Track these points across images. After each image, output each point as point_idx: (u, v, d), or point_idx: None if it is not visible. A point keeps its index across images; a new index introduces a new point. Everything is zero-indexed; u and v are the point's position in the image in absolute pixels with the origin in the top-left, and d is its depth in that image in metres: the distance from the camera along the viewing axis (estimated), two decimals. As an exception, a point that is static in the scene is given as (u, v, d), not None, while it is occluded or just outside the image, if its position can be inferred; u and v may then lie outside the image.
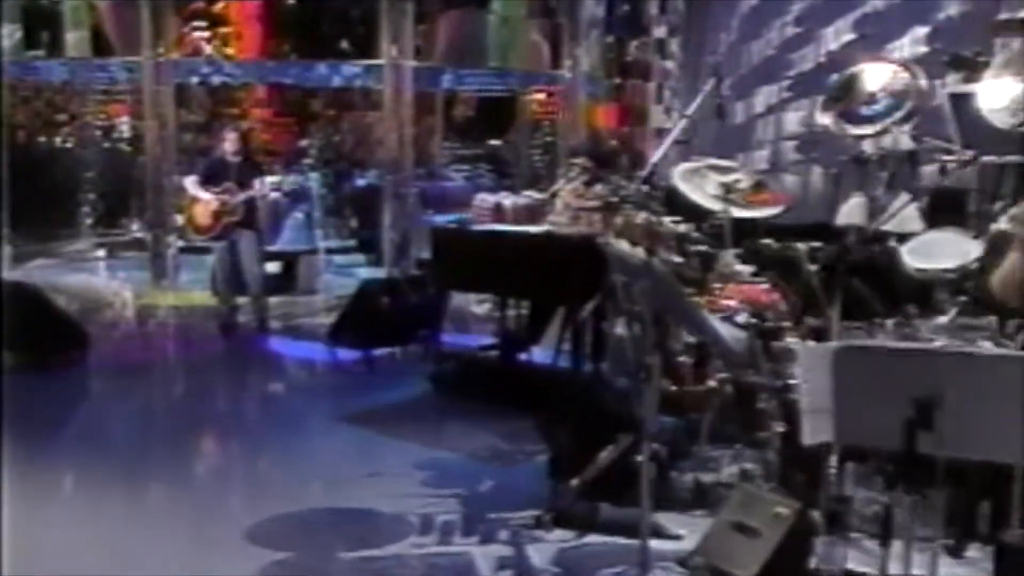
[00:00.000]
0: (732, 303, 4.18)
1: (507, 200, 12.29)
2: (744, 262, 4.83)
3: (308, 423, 6.17)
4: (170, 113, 11.26)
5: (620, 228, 5.21)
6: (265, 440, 5.92)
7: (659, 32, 14.44)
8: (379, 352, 7.44)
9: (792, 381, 3.76)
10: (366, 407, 6.40)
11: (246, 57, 11.61)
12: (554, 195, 9.14)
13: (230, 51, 11.83)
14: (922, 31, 10.94)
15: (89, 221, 14.31)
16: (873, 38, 14.13)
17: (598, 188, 6.72)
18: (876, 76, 5.54)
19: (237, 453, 5.85)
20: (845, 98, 5.54)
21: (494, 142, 16.20)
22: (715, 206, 5.09)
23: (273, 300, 9.30)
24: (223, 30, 11.46)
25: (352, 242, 13.22)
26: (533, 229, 6.44)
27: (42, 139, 15.17)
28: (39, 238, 13.73)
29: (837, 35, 14.38)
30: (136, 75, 11.98)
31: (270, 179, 8.82)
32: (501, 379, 6.42)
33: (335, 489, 4.93)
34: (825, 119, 5.64)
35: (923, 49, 10.40)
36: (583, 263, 5.38)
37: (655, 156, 3.91)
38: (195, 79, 12.64)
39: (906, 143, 5.48)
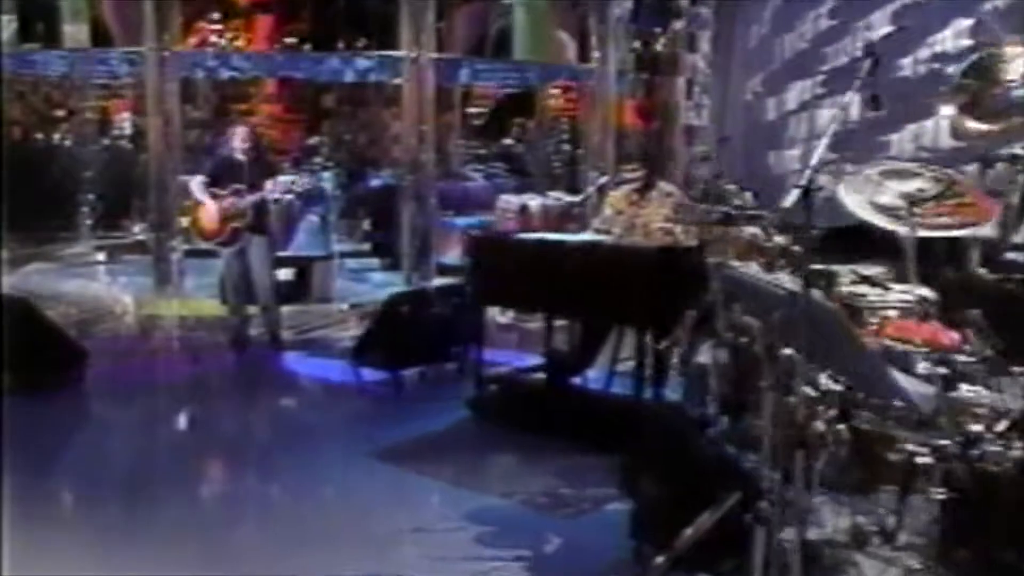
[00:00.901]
0: (898, 342, 3.38)
1: (533, 202, 11.63)
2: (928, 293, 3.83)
3: (332, 460, 5.44)
4: (175, 108, 10.52)
5: (722, 243, 4.46)
6: (283, 480, 5.18)
7: (688, 25, 13.72)
8: (408, 372, 6.72)
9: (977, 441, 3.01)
10: (398, 439, 5.66)
11: (256, 49, 10.87)
12: (587, 199, 8.48)
13: (239, 43, 11.11)
14: (965, 23, 10.18)
15: (88, 223, 13.61)
16: (913, 31, 13.47)
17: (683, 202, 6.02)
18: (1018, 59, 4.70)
19: (250, 497, 5.09)
20: (979, 86, 4.75)
21: (507, 141, 15.48)
22: (893, 224, 4.07)
23: (285, 309, 8.57)
24: (235, 21, 10.71)
25: (365, 245, 12.50)
26: (592, 238, 5.70)
27: (39, 136, 14.48)
28: (35, 241, 13.04)
29: (874, 28, 13.72)
30: (138, 68, 11.27)
31: (283, 179, 8.11)
32: (552, 406, 5.68)
33: (369, 549, 4.18)
34: (949, 110, 4.84)
35: (966, 43, 9.75)
36: (658, 279, 4.68)
37: (813, 161, 3.07)
38: (201, 72, 11.93)
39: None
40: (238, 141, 7.86)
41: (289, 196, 8.04)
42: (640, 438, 4.01)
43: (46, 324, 6.74)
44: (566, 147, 14.37)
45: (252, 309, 8.19)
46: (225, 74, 12.22)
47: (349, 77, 12.34)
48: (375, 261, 12.32)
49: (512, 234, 6.10)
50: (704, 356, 4.56)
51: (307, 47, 10.43)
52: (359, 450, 5.49)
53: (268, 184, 7.79)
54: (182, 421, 6.49)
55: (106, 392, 6.74)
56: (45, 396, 6.31)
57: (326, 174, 12.38)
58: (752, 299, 3.02)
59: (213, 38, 11.11)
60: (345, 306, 9.90)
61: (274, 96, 13.81)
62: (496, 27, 11.81)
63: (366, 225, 12.75)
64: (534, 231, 11.44)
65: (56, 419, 6.08)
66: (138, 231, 13.19)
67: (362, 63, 11.60)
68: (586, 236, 5.82)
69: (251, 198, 7.77)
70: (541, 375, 6.11)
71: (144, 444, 5.85)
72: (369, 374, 6.79)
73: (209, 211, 7.94)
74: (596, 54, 12.10)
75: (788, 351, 2.85)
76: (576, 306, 5.41)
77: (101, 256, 12.78)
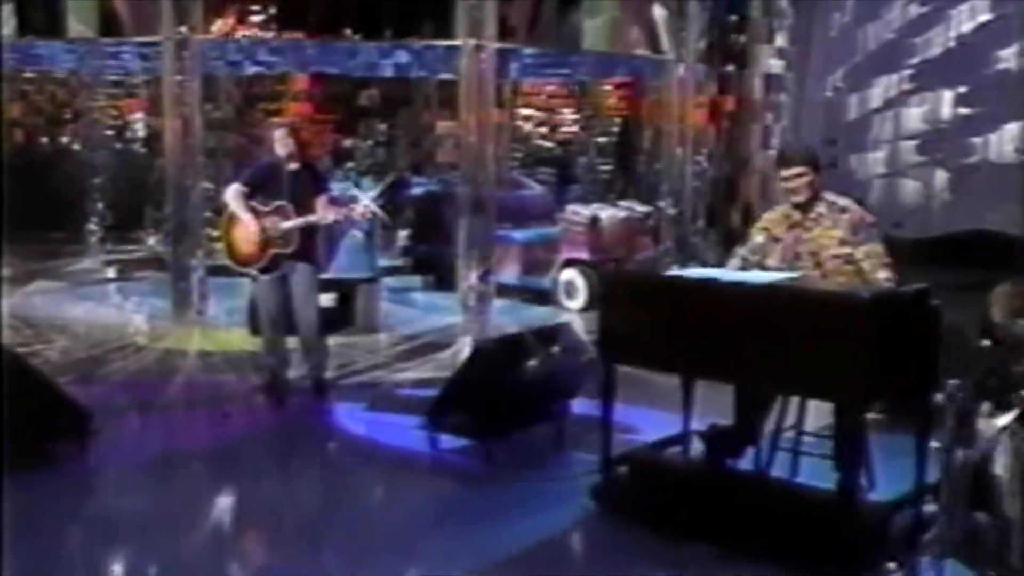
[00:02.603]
0: None
1: (604, 212, 10.24)
2: None
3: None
4: (195, 107, 9.13)
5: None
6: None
7: (764, 14, 12.29)
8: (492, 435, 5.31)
9: None
10: (504, 542, 4.25)
11: (290, 37, 9.47)
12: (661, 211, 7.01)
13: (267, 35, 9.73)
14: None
15: (98, 235, 12.27)
16: (1014, 19, 12.05)
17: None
18: None
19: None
20: None
21: (547, 143, 14.06)
22: None
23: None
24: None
25: (401, 261, 11.09)
26: (774, 278, 4.26)
27: (43, 138, 13.17)
28: (38, 255, 11.74)
29: (971, 15, 12.29)
30: (153, 63, 9.91)
31: (335, 191, 6.72)
32: (716, 498, 4.26)
33: None
34: None
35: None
36: (872, 331, 3.31)
37: None
38: (223, 67, 10.54)
39: None
40: (280, 146, 6.46)
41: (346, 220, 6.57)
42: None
43: (41, 384, 5.34)
44: (624, 149, 12.96)
45: (290, 341, 6.82)
46: (250, 69, 10.84)
47: (388, 71, 10.94)
48: (416, 279, 10.94)
49: (657, 271, 4.63)
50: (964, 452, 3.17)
51: (349, 34, 8.94)
52: (454, 559, 4.08)
53: (320, 202, 6.40)
54: (208, 514, 5.02)
55: (113, 470, 5.32)
56: (38, 475, 4.93)
57: (365, 181, 11.03)
58: None
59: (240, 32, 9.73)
60: (395, 337, 8.52)
61: (304, 93, 12.43)
62: (548, 10, 10.38)
63: (403, 237, 11.34)
64: (606, 246, 10.19)
65: (51, 506, 4.69)
66: (153, 243, 11.88)
67: (399, 55, 10.18)
68: (763, 276, 4.37)
69: (299, 221, 6.38)
70: (686, 449, 4.68)
71: (160, 544, 4.43)
72: (448, 440, 5.39)
73: (247, 230, 6.55)
74: (666, 44, 10.62)
75: None
76: (751, 369, 3.98)
77: (111, 272, 11.40)
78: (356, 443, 5.86)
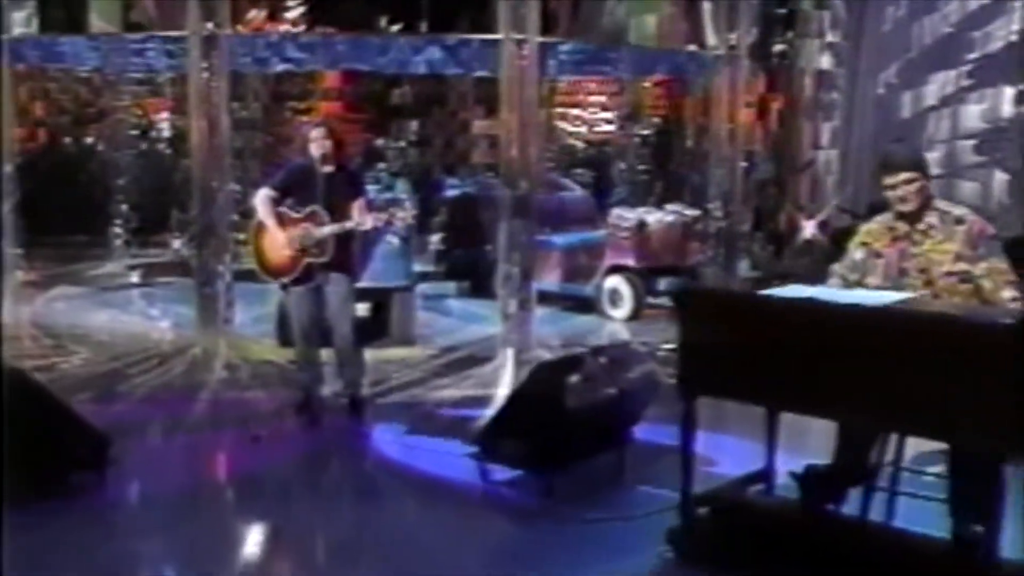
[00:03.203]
0: None
1: (651, 216, 9.70)
2: None
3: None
4: (222, 105, 8.66)
5: None
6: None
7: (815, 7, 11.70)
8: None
9: None
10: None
11: (321, 32, 9.03)
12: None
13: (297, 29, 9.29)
14: None
15: (122, 238, 11.85)
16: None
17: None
18: None
19: None
20: None
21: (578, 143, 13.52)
22: None
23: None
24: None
25: (434, 266, 10.60)
26: (878, 299, 3.72)
27: (67, 138, 12.79)
28: (62, 259, 11.37)
29: (1027, 10, 11.67)
30: (178, 61, 9.46)
31: (371, 192, 6.24)
32: (813, 547, 3.73)
33: None
34: None
35: None
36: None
37: None
38: (251, 63, 10.07)
39: None
40: (316, 146, 5.99)
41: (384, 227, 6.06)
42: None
43: (56, 408, 4.89)
44: (665, 150, 12.42)
45: (323, 352, 6.34)
46: (279, 66, 10.37)
47: (421, 68, 10.43)
48: (450, 285, 10.45)
49: (760, 294, 4.10)
50: None
51: (384, 27, 8.44)
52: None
53: (357, 207, 5.92)
54: (234, 553, 4.50)
55: (132, 502, 4.87)
56: (51, 507, 4.48)
57: (399, 183, 10.55)
58: None
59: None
60: (432, 349, 8.03)
61: (335, 91, 11.96)
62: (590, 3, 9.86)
63: (437, 242, 10.84)
64: (653, 252, 9.65)
65: (62, 542, 4.24)
66: (178, 247, 11.46)
67: (436, 51, 9.67)
68: (872, 297, 3.84)
69: (334, 228, 5.91)
70: (770, 487, 4.16)
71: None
72: (500, 471, 4.90)
73: (277, 239, 6.10)
74: (713, 39, 10.04)
75: None
76: (863, 405, 3.45)
77: (135, 277, 10.99)
78: (398, 472, 5.35)
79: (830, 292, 3.93)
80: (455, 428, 5.79)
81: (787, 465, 4.11)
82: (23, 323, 8.81)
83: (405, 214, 5.84)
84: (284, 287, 6.30)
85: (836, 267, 4.24)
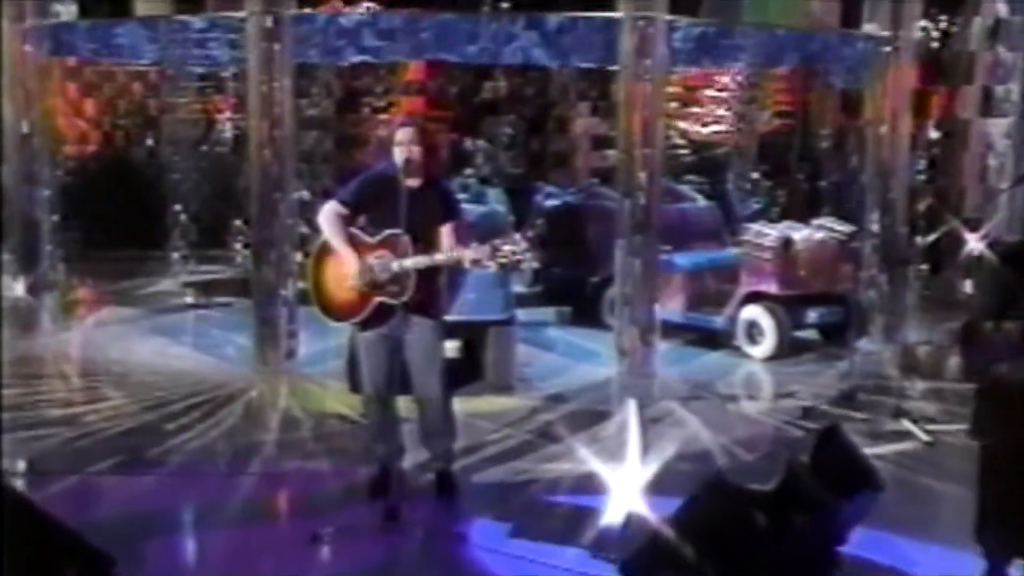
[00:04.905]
0: None
1: (798, 233, 8.05)
2: None
3: None
4: (286, 102, 7.32)
5: None
6: None
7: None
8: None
9: None
10: None
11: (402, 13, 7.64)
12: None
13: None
14: None
15: (180, 252, 10.62)
16: None
17: None
18: None
19: None
20: None
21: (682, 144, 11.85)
22: None
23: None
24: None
25: (526, 287, 9.09)
26: None
27: (121, 141, 11.65)
28: (112, 275, 10.20)
29: None
30: (243, 53, 8.17)
31: (466, 216, 4.78)
32: None
33: None
34: None
35: None
36: None
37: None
38: (321, 54, 8.69)
39: None
40: (401, 151, 4.54)
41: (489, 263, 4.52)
42: None
43: (50, 527, 3.50)
44: (799, 152, 10.73)
45: (400, 401, 4.93)
46: (354, 57, 8.98)
47: (516, 58, 8.93)
48: (549, 311, 8.94)
49: None
50: None
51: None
52: None
53: (448, 233, 4.47)
54: None
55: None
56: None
57: (492, 192, 9.11)
58: None
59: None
60: (536, 399, 6.54)
61: (417, 85, 10.57)
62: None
63: (531, 259, 9.28)
64: (801, 277, 8.01)
65: None
66: (240, 262, 10.20)
67: (534, 37, 8.16)
68: None
69: (417, 259, 4.46)
70: None
71: None
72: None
73: (343, 268, 4.71)
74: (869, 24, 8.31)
75: None
76: None
77: (190, 297, 9.71)
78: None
79: None
80: (575, 526, 4.33)
81: None
82: (55, 355, 7.58)
83: (515, 249, 4.34)
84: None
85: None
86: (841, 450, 3.82)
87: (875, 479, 3.70)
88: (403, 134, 4.63)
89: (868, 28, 8.02)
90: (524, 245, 4.36)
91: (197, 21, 8.14)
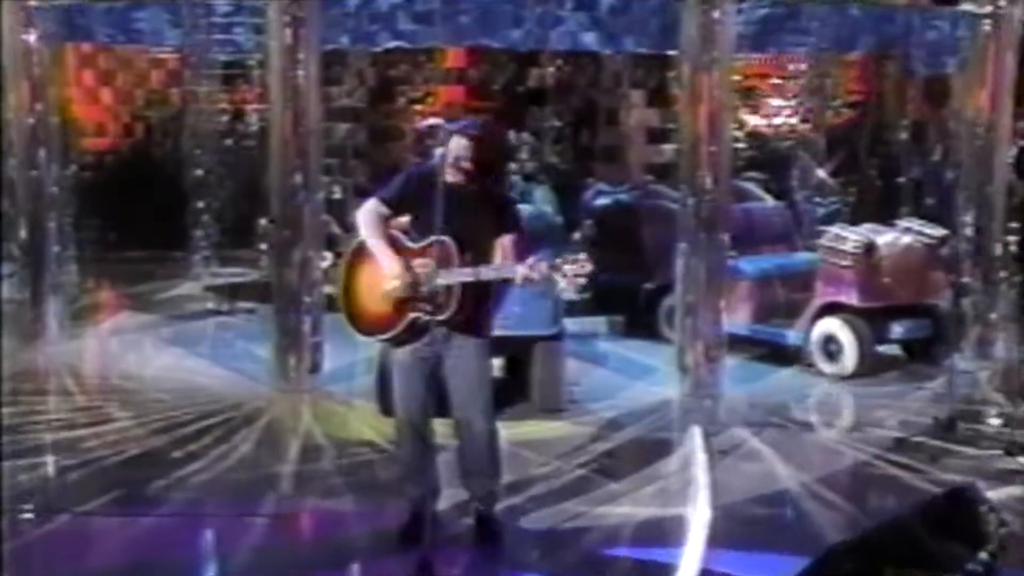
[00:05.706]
0: None
1: (882, 238, 7.25)
2: None
3: None
4: (312, 91, 6.65)
5: None
6: None
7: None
8: None
9: None
10: None
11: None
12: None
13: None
14: None
15: (202, 253, 10.01)
16: None
17: None
18: None
19: None
20: None
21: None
22: None
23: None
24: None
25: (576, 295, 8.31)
26: None
27: (140, 133, 11.07)
28: (130, 277, 9.60)
29: None
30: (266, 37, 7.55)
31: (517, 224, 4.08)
32: None
33: None
34: None
35: None
36: None
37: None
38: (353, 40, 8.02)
39: None
40: (456, 147, 3.88)
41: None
42: None
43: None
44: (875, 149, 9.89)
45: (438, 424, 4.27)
46: (389, 43, 8.31)
47: (565, 43, 8.23)
48: (600, 320, 8.18)
49: None
50: None
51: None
52: None
53: (504, 245, 3.75)
54: None
55: None
56: None
57: (539, 192, 8.38)
58: None
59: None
60: (588, 424, 5.79)
61: (456, 73, 9.89)
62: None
63: (578, 260, 8.53)
64: (886, 287, 7.23)
65: None
66: (266, 264, 9.55)
67: (584, 19, 7.46)
68: None
69: (464, 272, 3.76)
70: None
71: None
72: None
73: (380, 274, 4.03)
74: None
75: None
76: None
77: (211, 302, 9.07)
78: None
79: None
80: None
81: None
82: (60, 369, 6.92)
83: (578, 270, 3.63)
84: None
85: None
86: (970, 518, 3.01)
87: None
88: (456, 143, 3.96)
89: (967, 6, 7.19)
90: (590, 266, 3.66)
91: (223, 3, 7.66)
